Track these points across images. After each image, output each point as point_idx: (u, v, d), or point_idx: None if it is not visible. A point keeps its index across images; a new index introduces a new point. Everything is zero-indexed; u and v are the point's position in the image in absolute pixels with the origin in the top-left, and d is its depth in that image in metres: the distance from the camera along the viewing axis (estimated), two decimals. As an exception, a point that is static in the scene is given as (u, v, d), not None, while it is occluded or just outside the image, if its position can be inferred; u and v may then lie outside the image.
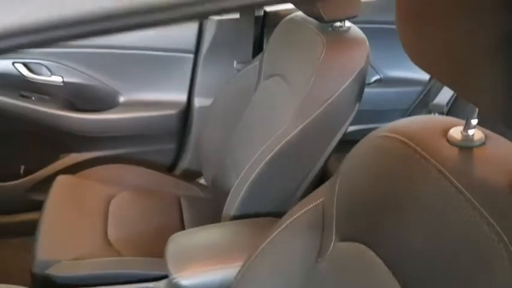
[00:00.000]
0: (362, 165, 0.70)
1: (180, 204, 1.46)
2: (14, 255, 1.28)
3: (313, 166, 1.08)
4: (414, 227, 0.58)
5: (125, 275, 1.13)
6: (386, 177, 0.64)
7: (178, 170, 1.76)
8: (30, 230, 1.26)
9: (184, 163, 1.76)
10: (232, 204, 1.11)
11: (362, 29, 1.21)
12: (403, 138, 0.62)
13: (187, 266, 0.96)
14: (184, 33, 1.61)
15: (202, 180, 1.66)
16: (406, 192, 0.61)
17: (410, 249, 0.58)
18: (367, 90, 1.15)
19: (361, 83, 1.11)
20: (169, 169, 1.74)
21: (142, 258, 1.18)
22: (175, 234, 1.06)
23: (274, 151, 1.07)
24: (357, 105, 1.13)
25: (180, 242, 1.03)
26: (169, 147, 1.73)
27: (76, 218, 1.30)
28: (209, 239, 1.07)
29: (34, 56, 1.54)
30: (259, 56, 1.44)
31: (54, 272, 1.11)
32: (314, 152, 0.87)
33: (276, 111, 1.24)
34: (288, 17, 1.38)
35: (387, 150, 0.65)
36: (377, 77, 1.79)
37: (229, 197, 1.13)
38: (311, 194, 0.81)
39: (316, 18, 1.18)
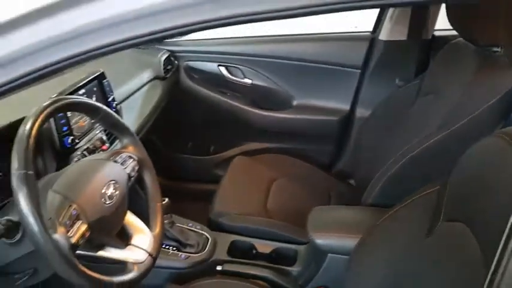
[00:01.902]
0: (470, 160, 0.85)
1: (329, 196, 1.69)
2: (196, 210, 1.63)
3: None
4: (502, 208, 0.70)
5: (274, 234, 1.41)
6: (487, 168, 0.78)
7: (333, 170, 1.99)
8: (209, 197, 1.62)
9: (340, 164, 1.99)
10: (370, 193, 1.30)
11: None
12: (505, 136, 0.76)
13: (322, 229, 1.19)
14: (354, 51, 1.85)
15: (352, 181, 1.86)
16: (500, 179, 0.74)
17: (496, 228, 0.70)
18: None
19: (508, 103, 1.19)
20: (326, 168, 1.99)
21: (290, 224, 1.44)
22: (317, 207, 1.30)
23: (415, 151, 1.23)
24: (502, 123, 1.21)
25: (319, 213, 1.27)
26: (328, 148, 1.98)
27: (245, 189, 1.64)
28: (342, 214, 1.29)
29: (233, 61, 1.96)
30: (422, 75, 1.58)
31: (225, 220, 1.45)
32: (450, 159, 0.98)
33: (425, 122, 1.38)
34: (453, 41, 1.49)
35: (490, 146, 0.79)
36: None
37: (369, 187, 1.32)
38: (430, 184, 0.97)
39: (472, 42, 1.30)
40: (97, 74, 1.34)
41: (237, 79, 1.99)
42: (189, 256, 1.30)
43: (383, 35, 1.78)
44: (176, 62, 1.96)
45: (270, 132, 1.99)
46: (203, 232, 1.39)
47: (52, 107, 0.85)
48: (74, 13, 0.52)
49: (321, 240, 1.17)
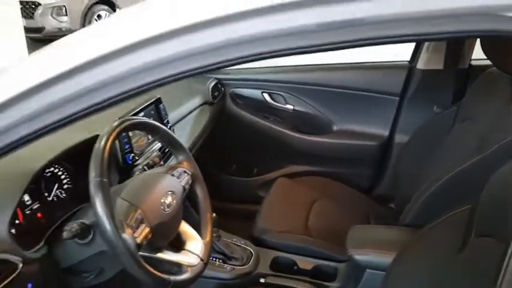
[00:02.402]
0: (499, 180, 0.91)
1: (368, 217, 1.75)
2: (239, 228, 1.71)
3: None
4: None
5: (315, 251, 1.49)
6: None
7: (373, 193, 2.05)
8: (252, 216, 1.70)
9: (380, 188, 2.04)
10: (408, 213, 1.36)
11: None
12: None
13: (360, 246, 1.26)
14: (393, 79, 1.93)
15: (392, 205, 1.91)
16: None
17: None
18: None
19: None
20: (366, 191, 2.04)
21: (329, 243, 1.51)
22: (356, 226, 1.37)
23: (450, 174, 1.28)
24: None
25: (358, 231, 1.34)
26: (367, 172, 2.04)
27: (287, 208, 1.73)
28: (380, 232, 1.35)
29: (276, 88, 2.08)
30: (459, 103, 1.64)
31: (267, 237, 1.54)
32: (482, 180, 1.01)
33: (461, 147, 1.43)
34: (489, 70, 1.55)
35: None
36: None
37: (406, 208, 1.38)
38: (463, 203, 1.03)
39: (505, 72, 1.36)
40: (154, 99, 1.49)
41: (279, 105, 2.10)
42: (234, 268, 1.39)
43: (420, 64, 1.86)
44: (223, 89, 2.10)
45: (311, 155, 2.08)
46: (247, 247, 1.49)
47: (122, 126, 0.99)
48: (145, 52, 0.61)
49: (359, 256, 1.24)
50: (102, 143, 0.92)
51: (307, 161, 2.10)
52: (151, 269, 0.89)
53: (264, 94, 2.11)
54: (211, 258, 1.40)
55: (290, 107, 2.09)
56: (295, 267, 1.46)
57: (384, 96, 1.96)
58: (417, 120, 1.83)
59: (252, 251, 1.47)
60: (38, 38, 7.33)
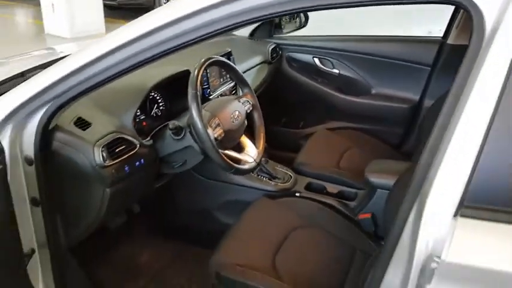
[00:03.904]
0: None
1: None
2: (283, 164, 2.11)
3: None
4: None
5: (340, 180, 1.87)
6: None
7: (402, 149, 2.39)
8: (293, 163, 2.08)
9: (407, 145, 2.38)
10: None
11: None
12: None
13: (375, 171, 1.63)
14: (426, 52, 2.25)
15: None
16: None
17: None
18: None
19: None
20: (395, 147, 2.39)
21: (354, 175, 1.89)
22: (374, 160, 1.74)
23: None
24: None
25: (375, 162, 1.71)
26: (398, 131, 2.39)
27: (324, 151, 2.11)
28: (391, 164, 1.72)
29: (325, 54, 2.46)
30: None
31: (305, 168, 1.94)
32: None
33: None
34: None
35: None
36: None
37: None
38: None
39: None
40: (227, 51, 1.92)
41: (327, 69, 2.48)
42: (277, 184, 1.81)
43: (450, 40, 2.17)
44: (280, 52, 2.51)
45: (350, 113, 2.45)
46: (288, 172, 1.91)
47: (208, 61, 1.42)
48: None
49: (372, 178, 1.62)
50: (196, 70, 1.36)
51: (346, 118, 2.47)
52: (223, 155, 1.34)
53: (314, 59, 2.50)
54: (260, 176, 1.83)
55: (336, 71, 2.47)
56: (324, 191, 1.86)
57: (417, 66, 2.28)
58: (444, 88, 2.14)
59: (292, 175, 1.88)
60: (112, 5, 8.02)
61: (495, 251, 0.76)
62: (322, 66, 2.49)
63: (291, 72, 2.53)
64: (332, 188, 1.87)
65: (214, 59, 1.44)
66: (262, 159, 1.79)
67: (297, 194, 1.79)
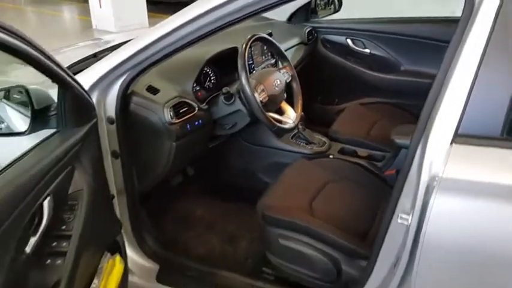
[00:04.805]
0: None
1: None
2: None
3: None
4: None
5: (370, 145, 2.10)
6: None
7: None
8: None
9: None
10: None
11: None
12: None
13: (400, 133, 1.85)
14: (448, 30, 2.42)
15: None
16: None
17: None
18: None
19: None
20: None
21: (384, 140, 2.10)
22: (399, 125, 1.96)
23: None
24: None
25: (400, 126, 1.93)
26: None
27: (356, 120, 2.34)
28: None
29: (357, 36, 2.68)
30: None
31: (339, 135, 2.18)
32: None
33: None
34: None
35: None
36: None
37: None
38: None
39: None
40: (268, 32, 2.18)
41: (359, 49, 2.70)
42: (313, 148, 2.06)
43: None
44: (316, 34, 2.74)
45: (381, 89, 2.66)
46: (323, 138, 2.15)
47: (253, 38, 1.69)
48: None
49: (397, 140, 1.84)
50: (244, 45, 1.63)
51: (377, 94, 2.68)
52: (267, 115, 1.61)
53: (347, 40, 2.72)
54: (298, 141, 2.09)
55: (367, 50, 2.68)
56: (355, 154, 2.10)
57: (442, 44, 2.46)
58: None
59: (326, 141, 2.13)
60: (154, 0, 8.42)
61: (482, 168, 0.99)
62: (355, 47, 2.71)
63: (326, 52, 2.76)
64: (362, 152, 2.10)
65: (258, 36, 1.71)
66: (300, 126, 2.05)
67: (331, 156, 2.03)
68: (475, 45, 1.00)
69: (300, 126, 2.06)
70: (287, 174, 1.81)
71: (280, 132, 1.92)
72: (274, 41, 1.84)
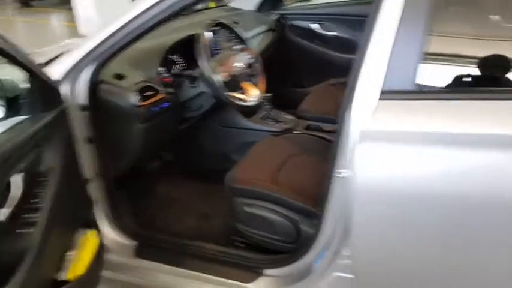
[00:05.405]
0: None
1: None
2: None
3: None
4: None
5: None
6: None
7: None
8: None
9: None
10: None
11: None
12: None
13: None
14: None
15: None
16: None
17: None
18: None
19: None
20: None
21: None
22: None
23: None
24: None
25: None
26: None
27: (322, 100, 2.46)
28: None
29: (322, 20, 2.80)
30: None
31: (307, 114, 2.30)
32: None
33: None
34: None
35: None
36: None
37: None
38: None
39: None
40: (234, 20, 2.30)
41: (325, 32, 2.82)
42: (281, 126, 2.18)
43: None
44: (283, 21, 2.86)
45: (347, 69, 2.77)
46: (290, 117, 2.28)
47: (210, 22, 1.81)
48: None
49: None
50: (202, 31, 1.75)
51: (345, 74, 2.78)
52: (228, 94, 1.73)
53: (314, 24, 2.85)
54: (267, 121, 2.21)
55: (333, 33, 2.80)
56: (321, 129, 2.22)
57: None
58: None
59: (293, 118, 2.25)
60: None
61: (404, 118, 1.11)
62: (321, 30, 2.83)
63: (294, 38, 2.88)
64: (328, 127, 2.22)
65: (213, 21, 1.83)
66: (267, 107, 2.17)
67: (297, 132, 2.15)
68: (392, 10, 1.12)
69: (268, 107, 2.19)
70: (254, 150, 1.93)
71: (245, 110, 2.05)
72: (231, 25, 1.97)
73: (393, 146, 1.11)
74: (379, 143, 1.12)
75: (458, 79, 1.19)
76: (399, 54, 1.12)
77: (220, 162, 2.29)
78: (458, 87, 1.19)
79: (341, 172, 1.22)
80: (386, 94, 1.13)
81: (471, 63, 1.21)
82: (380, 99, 1.13)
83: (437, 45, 1.18)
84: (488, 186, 1.04)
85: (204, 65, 1.66)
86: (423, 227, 1.12)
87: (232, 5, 3.01)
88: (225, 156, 2.27)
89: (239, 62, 1.85)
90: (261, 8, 2.93)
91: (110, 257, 1.73)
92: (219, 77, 1.71)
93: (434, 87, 1.19)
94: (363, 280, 1.27)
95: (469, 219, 1.07)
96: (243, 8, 2.92)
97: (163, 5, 1.40)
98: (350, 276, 1.29)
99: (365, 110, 1.13)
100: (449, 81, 1.19)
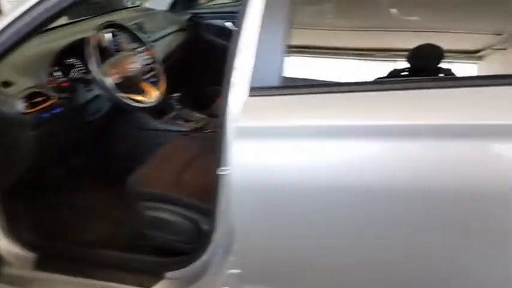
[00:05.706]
0: None
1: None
2: None
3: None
4: None
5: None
6: None
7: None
8: None
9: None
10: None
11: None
12: None
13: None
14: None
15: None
16: None
17: None
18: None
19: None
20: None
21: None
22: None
23: None
24: None
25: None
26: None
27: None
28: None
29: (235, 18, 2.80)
30: None
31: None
32: None
33: None
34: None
35: None
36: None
37: None
38: None
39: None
40: (138, 21, 2.25)
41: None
42: (190, 125, 2.16)
43: None
44: (197, 20, 2.84)
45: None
46: (201, 116, 2.26)
47: (100, 25, 1.76)
48: None
49: None
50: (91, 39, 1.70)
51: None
52: (121, 96, 1.69)
53: (228, 22, 2.84)
54: (177, 122, 2.18)
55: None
56: None
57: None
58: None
59: (205, 118, 2.24)
60: None
61: (272, 114, 1.13)
62: (233, 28, 2.83)
63: (209, 37, 2.87)
64: None
65: (104, 23, 1.78)
66: (178, 107, 2.15)
67: (207, 130, 2.15)
68: (255, 13, 1.14)
69: (179, 107, 2.16)
70: (160, 152, 1.90)
71: (150, 111, 2.01)
72: (125, 26, 1.93)
73: (263, 141, 1.12)
74: (250, 139, 1.13)
75: (319, 72, 1.22)
76: (263, 50, 1.13)
77: (135, 165, 2.24)
78: (322, 81, 1.23)
79: (223, 170, 1.22)
80: (254, 91, 1.14)
81: (334, 54, 1.26)
82: (250, 95, 1.14)
83: (300, 38, 1.21)
84: (354, 176, 1.07)
85: (93, 67, 1.62)
86: (295, 217, 1.14)
87: (147, 5, 2.97)
88: (140, 159, 2.22)
89: (135, 63, 1.81)
90: (173, 8, 2.90)
91: (8, 270, 1.67)
92: (110, 79, 1.67)
93: (299, 81, 1.22)
94: (248, 274, 1.28)
95: (335, 208, 1.10)
96: (157, 8, 2.87)
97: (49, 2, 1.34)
98: (238, 271, 1.30)
99: (237, 106, 1.14)
100: (312, 74, 1.23)
